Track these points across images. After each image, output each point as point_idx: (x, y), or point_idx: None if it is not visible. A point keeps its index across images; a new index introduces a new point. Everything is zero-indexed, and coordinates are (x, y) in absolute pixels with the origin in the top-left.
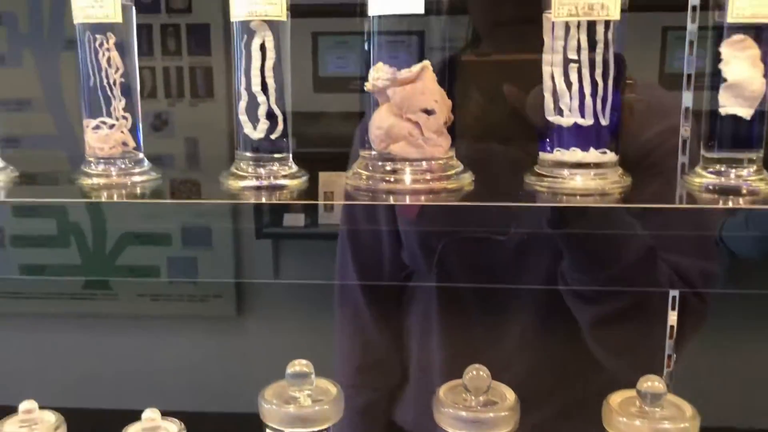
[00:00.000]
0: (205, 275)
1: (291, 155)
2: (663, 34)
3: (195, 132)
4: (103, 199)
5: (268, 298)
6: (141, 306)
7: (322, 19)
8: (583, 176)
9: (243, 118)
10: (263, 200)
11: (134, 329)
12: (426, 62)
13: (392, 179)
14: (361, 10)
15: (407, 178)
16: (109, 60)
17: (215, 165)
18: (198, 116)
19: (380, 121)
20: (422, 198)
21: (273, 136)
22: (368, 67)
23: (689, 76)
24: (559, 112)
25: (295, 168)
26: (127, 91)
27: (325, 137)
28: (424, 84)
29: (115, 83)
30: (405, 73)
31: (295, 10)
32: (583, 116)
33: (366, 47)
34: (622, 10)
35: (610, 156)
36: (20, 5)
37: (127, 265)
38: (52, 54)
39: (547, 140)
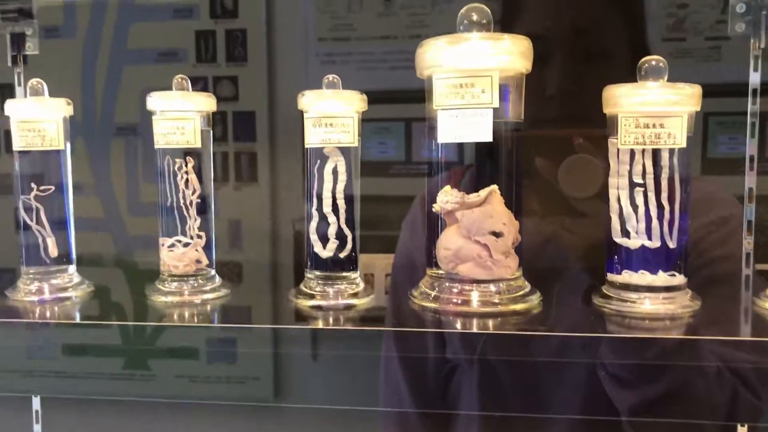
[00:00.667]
0: (244, 357)
1: (359, 273)
2: (704, 121)
3: (238, 214)
4: (176, 323)
5: (306, 381)
6: (179, 387)
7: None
8: (652, 300)
9: (313, 237)
10: (330, 324)
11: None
12: (494, 187)
13: (459, 300)
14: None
15: (475, 300)
16: (186, 182)
17: (257, 247)
18: (241, 200)
19: (448, 242)
20: (490, 323)
21: (342, 255)
22: (433, 188)
23: (752, 157)
24: (626, 234)
25: (362, 285)
26: (202, 210)
27: (366, 221)
28: (492, 207)
29: (191, 204)
30: (473, 197)
31: None
32: (650, 239)
33: (433, 169)
34: (688, 136)
35: (679, 279)
36: (75, 94)
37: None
38: (103, 141)
39: (615, 261)
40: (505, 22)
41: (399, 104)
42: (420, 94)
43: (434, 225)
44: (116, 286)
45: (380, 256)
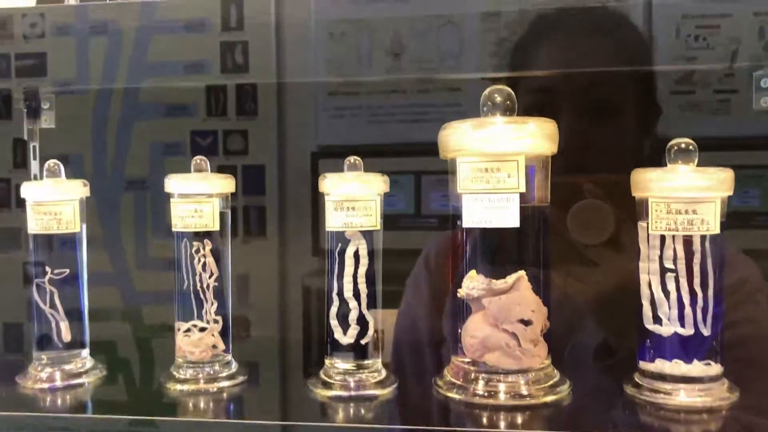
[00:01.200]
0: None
1: (381, 360)
2: None
3: (246, 269)
4: (192, 418)
5: None
6: None
7: (372, 159)
8: (687, 391)
9: (334, 323)
10: (351, 421)
11: None
12: (521, 273)
13: (486, 393)
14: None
15: (502, 392)
16: (204, 265)
17: (266, 303)
18: (250, 254)
19: (475, 330)
20: (519, 419)
21: (363, 341)
22: (455, 268)
23: None
24: (658, 321)
25: (384, 373)
26: (219, 294)
27: None
28: (520, 294)
29: (208, 287)
30: (500, 283)
31: (344, 150)
32: (683, 326)
33: (457, 252)
34: (721, 221)
35: (715, 368)
36: (86, 147)
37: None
38: (113, 195)
39: (647, 347)
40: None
41: (408, 157)
42: (429, 147)
43: (459, 309)
44: (129, 366)
45: (392, 312)
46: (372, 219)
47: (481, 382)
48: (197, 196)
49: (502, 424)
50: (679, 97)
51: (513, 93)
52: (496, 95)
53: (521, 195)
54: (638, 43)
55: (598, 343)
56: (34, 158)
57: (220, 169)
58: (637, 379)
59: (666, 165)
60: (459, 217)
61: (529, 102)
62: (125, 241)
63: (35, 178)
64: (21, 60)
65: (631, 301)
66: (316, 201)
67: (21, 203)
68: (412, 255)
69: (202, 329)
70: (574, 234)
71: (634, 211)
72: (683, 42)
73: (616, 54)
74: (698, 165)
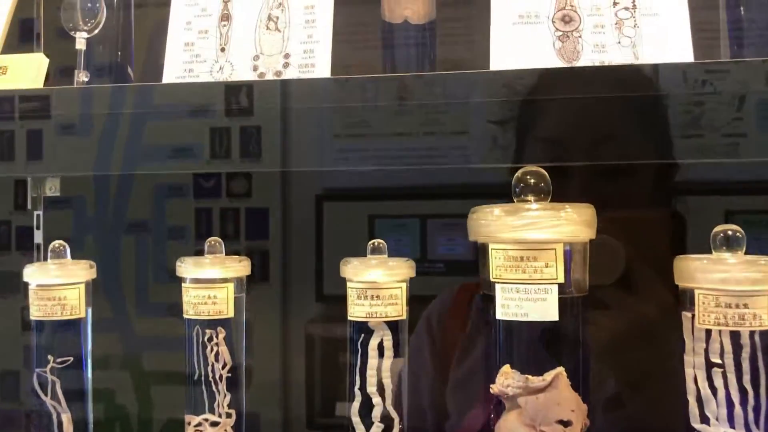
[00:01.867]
0: None
1: None
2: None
3: (248, 315)
4: None
5: None
6: None
7: (378, 202)
8: None
9: (355, 419)
10: None
11: None
12: (560, 369)
13: None
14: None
15: None
16: (217, 355)
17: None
18: (252, 300)
19: (509, 431)
20: None
21: None
22: (489, 362)
23: None
24: (706, 420)
25: None
26: (233, 386)
27: None
28: (558, 393)
29: (221, 378)
30: (538, 381)
31: (350, 193)
32: (732, 426)
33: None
34: None
35: None
36: (88, 188)
37: None
38: (114, 238)
39: None
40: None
41: (414, 200)
42: (436, 190)
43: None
44: None
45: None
46: (397, 308)
47: None
48: (211, 282)
49: None
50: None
51: (547, 175)
52: (529, 177)
53: (559, 285)
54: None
55: (609, 395)
56: (38, 228)
57: (222, 212)
58: None
59: (711, 251)
60: (490, 303)
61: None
62: (125, 286)
63: (38, 251)
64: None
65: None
66: (320, 245)
67: (21, 245)
68: (418, 301)
69: (214, 423)
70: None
71: (646, 248)
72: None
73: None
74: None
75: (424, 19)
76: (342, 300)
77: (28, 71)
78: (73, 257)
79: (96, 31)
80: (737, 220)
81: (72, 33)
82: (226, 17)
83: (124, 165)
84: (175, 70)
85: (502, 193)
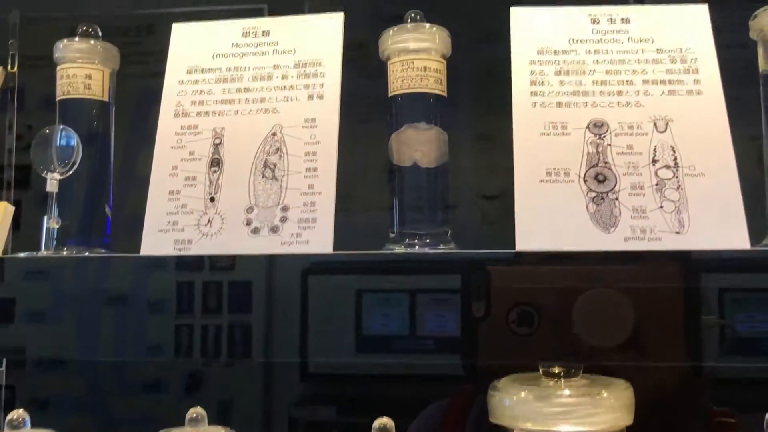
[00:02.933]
0: None
1: None
2: None
3: (229, 394)
4: None
5: None
6: None
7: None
8: None
9: None
10: None
11: None
12: None
13: None
14: None
15: None
16: None
17: None
18: (233, 377)
19: None
20: None
21: None
22: None
23: None
24: None
25: None
26: None
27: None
28: None
29: None
30: None
31: (338, 267)
32: None
33: None
34: None
35: None
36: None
37: None
38: (93, 311)
39: None
40: None
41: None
42: (425, 266)
43: None
44: None
45: None
46: None
47: None
48: None
49: None
50: None
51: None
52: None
53: None
54: None
55: None
56: None
57: (204, 286)
58: None
59: None
60: None
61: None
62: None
63: None
64: None
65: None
66: (306, 320)
67: None
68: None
69: None
70: (582, 334)
71: (657, 304)
72: None
73: None
74: None
75: (435, 162)
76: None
77: None
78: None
79: (70, 173)
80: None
81: (43, 174)
82: (216, 162)
83: None
84: (157, 222)
85: None
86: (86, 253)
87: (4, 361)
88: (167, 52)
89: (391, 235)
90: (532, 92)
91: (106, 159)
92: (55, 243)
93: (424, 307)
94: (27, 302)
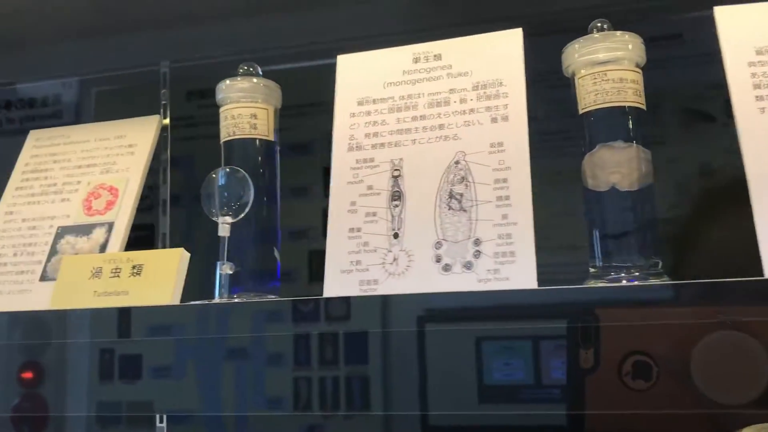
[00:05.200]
0: None
1: None
2: None
3: None
4: None
5: None
6: None
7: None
8: None
9: None
10: None
11: None
12: None
13: None
14: None
15: None
16: None
17: None
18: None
19: None
20: None
21: None
22: None
23: None
24: None
25: None
26: None
27: None
28: None
29: None
30: None
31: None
32: None
33: None
34: None
35: None
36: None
37: None
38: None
39: None
40: None
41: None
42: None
43: None
44: None
45: None
46: None
47: None
48: None
49: None
50: None
51: None
52: None
53: None
54: None
55: None
56: None
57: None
58: None
59: None
60: None
61: None
62: None
63: None
64: None
65: None
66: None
67: None
68: None
69: None
70: (702, 387)
71: None
72: None
73: None
74: None
75: (635, 185)
76: None
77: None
78: None
79: (242, 215)
80: None
81: (214, 218)
82: (397, 195)
83: None
84: (340, 263)
85: None
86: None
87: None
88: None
89: (592, 270)
90: None
91: (273, 200)
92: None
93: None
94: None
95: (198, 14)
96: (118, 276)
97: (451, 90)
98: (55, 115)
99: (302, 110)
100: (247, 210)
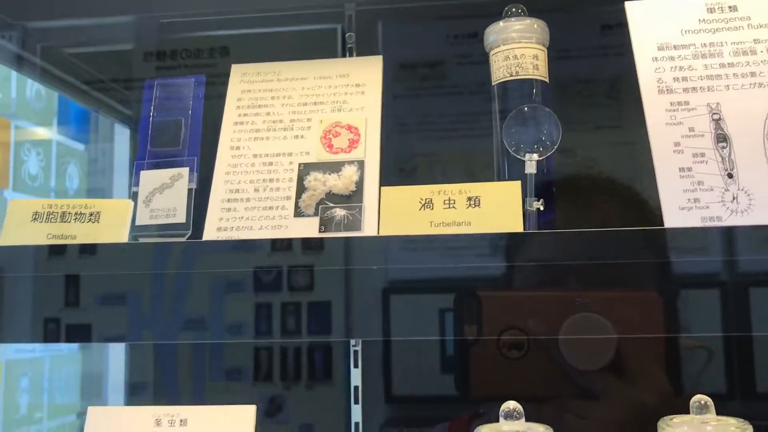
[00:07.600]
0: None
1: None
2: None
3: (311, 418)
4: None
5: None
6: None
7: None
8: None
9: None
10: None
11: None
12: None
13: None
14: None
15: None
16: None
17: None
18: (314, 401)
19: None
20: None
21: None
22: None
23: None
24: None
25: None
26: None
27: None
28: None
29: None
30: None
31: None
32: None
33: None
34: None
35: None
36: None
37: None
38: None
39: None
40: None
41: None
42: None
43: None
44: None
45: None
46: None
47: None
48: None
49: None
50: None
51: None
52: None
53: None
54: None
55: None
56: None
57: (283, 307)
58: None
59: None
60: None
61: None
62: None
63: None
64: None
65: None
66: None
67: None
68: None
69: None
70: (568, 358)
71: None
72: None
73: None
74: None
75: None
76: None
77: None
78: None
79: (549, 154)
80: None
81: (518, 155)
82: (722, 138)
83: None
84: (677, 200)
85: None
86: None
87: None
88: None
89: None
90: None
91: None
92: None
93: None
94: None
95: None
96: (454, 207)
97: (755, 40)
98: None
99: None
100: (555, 149)
